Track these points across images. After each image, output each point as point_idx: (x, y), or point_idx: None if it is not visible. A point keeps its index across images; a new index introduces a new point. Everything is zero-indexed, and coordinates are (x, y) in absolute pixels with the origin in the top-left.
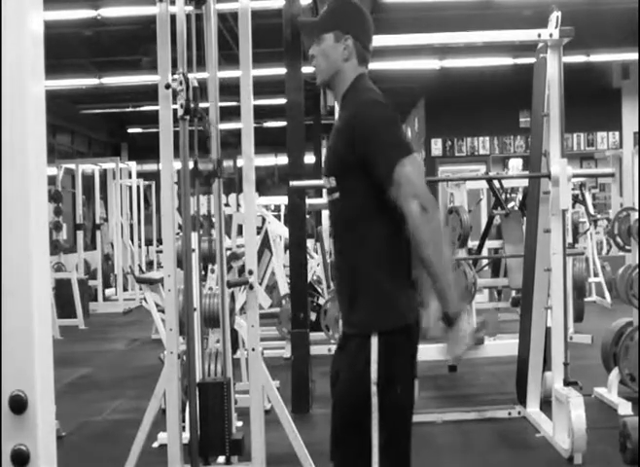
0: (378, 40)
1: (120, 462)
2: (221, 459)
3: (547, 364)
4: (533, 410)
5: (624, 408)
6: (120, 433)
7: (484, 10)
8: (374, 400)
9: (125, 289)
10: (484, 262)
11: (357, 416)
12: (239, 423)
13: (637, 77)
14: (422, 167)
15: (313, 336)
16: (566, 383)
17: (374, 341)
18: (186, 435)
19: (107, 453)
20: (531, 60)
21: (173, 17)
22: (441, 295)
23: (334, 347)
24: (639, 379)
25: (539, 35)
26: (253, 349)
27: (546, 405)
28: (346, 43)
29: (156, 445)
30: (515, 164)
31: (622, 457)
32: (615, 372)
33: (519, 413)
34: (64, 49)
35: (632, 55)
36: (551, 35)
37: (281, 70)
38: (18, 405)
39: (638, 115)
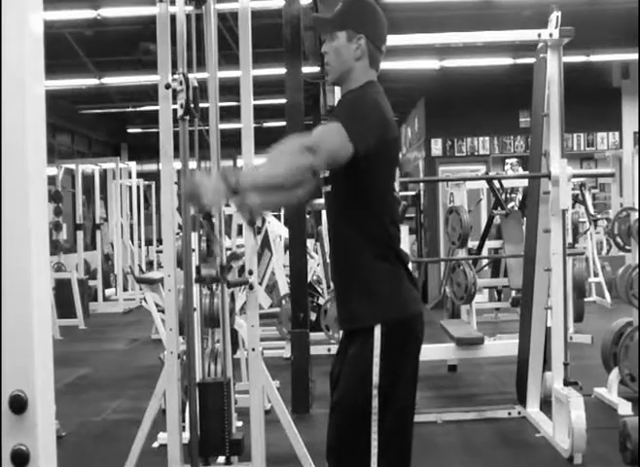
0: None
1: (120, 462)
2: (221, 459)
3: (547, 364)
4: (533, 410)
5: (624, 408)
6: (120, 433)
7: (484, 10)
8: (375, 403)
9: (125, 289)
10: (484, 262)
11: (356, 418)
12: (239, 423)
13: (637, 77)
14: (339, 145)
15: (313, 336)
16: (566, 383)
17: (377, 333)
18: (186, 435)
19: (107, 453)
20: (531, 60)
21: (173, 18)
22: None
23: (334, 347)
24: (639, 379)
25: (539, 35)
26: (253, 349)
27: (546, 405)
28: (359, 42)
29: (156, 445)
30: (510, 163)
31: (621, 457)
32: (615, 372)
33: (519, 413)
34: (64, 49)
35: (632, 55)
36: (550, 35)
37: (281, 70)
38: (19, 405)
39: (638, 115)
